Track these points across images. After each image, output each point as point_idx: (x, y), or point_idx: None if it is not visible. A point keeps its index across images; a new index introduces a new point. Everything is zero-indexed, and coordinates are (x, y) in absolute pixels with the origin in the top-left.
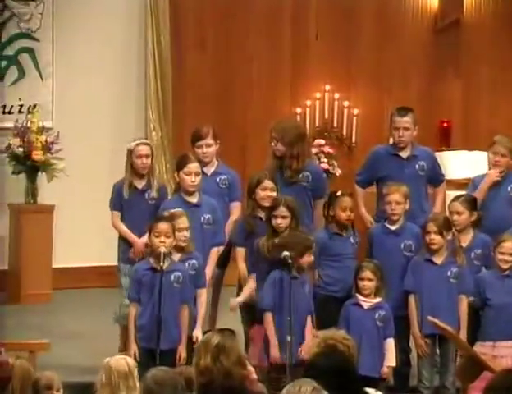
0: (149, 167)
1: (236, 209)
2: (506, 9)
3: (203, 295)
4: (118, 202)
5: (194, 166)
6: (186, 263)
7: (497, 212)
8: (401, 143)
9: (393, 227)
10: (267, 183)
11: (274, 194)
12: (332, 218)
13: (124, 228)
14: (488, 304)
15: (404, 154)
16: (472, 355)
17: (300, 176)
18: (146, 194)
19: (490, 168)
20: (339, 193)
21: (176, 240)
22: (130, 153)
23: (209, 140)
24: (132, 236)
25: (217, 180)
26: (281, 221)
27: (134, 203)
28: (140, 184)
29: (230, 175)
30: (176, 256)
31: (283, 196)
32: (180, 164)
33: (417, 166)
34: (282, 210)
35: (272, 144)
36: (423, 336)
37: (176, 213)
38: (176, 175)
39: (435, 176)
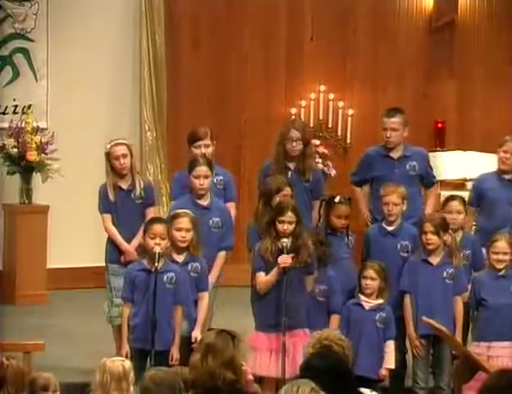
0: (129, 166)
1: (232, 210)
2: (501, 10)
3: (205, 299)
4: (106, 204)
5: (202, 169)
6: (189, 266)
7: (502, 213)
8: (389, 143)
9: (390, 228)
10: (288, 191)
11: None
12: (327, 223)
13: (116, 234)
14: (484, 304)
15: (395, 155)
16: (467, 356)
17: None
18: (132, 194)
19: (498, 166)
20: (337, 199)
21: (174, 240)
22: (108, 155)
23: (207, 141)
24: (123, 244)
25: (214, 180)
26: (288, 226)
27: (121, 205)
28: (125, 184)
29: (226, 175)
30: (179, 257)
31: (289, 199)
32: (190, 167)
33: (407, 166)
34: (290, 215)
35: (293, 144)
36: (419, 337)
37: (179, 213)
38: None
39: (426, 178)
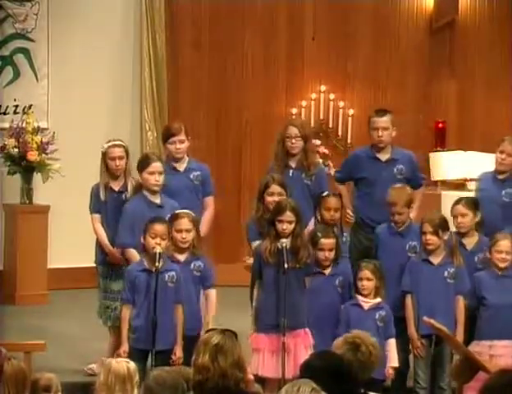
0: (124, 168)
1: (211, 203)
2: (501, 10)
3: (212, 295)
4: (97, 204)
5: (157, 165)
6: (192, 264)
7: (489, 213)
8: (381, 143)
9: (399, 228)
10: (274, 188)
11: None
12: (320, 217)
13: (102, 235)
14: (485, 303)
15: (384, 157)
16: (467, 356)
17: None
18: (123, 196)
19: (496, 167)
20: (325, 193)
21: (175, 241)
22: (104, 155)
23: (182, 136)
24: (108, 246)
25: (191, 176)
26: (287, 226)
27: (111, 205)
28: (117, 186)
29: (203, 170)
30: (181, 257)
31: (288, 199)
32: (143, 164)
33: (395, 169)
34: (288, 215)
35: (293, 141)
36: (420, 337)
37: (179, 213)
38: (138, 176)
39: (414, 179)
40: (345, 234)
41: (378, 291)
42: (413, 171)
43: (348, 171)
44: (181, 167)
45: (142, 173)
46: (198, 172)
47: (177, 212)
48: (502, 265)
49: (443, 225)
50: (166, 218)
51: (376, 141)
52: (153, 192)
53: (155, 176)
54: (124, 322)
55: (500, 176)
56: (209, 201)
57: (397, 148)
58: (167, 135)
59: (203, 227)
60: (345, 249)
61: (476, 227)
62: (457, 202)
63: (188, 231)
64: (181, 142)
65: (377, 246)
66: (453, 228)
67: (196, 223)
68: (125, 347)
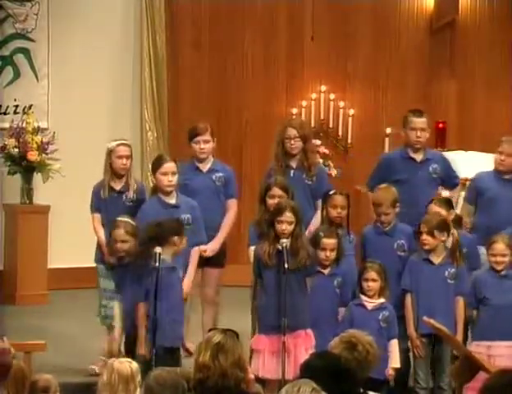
0: (128, 168)
1: (233, 206)
2: (501, 10)
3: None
4: (97, 203)
5: (170, 165)
6: None
7: (503, 212)
8: (418, 143)
9: (385, 228)
10: (275, 191)
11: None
12: (326, 216)
13: (101, 235)
14: (486, 303)
15: (419, 157)
16: (467, 356)
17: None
18: (124, 196)
19: (495, 167)
20: (332, 191)
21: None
22: (110, 152)
23: (207, 137)
24: (104, 246)
25: (213, 177)
26: (287, 226)
27: (111, 205)
28: (118, 185)
29: (226, 172)
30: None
31: (288, 200)
32: (156, 165)
33: (430, 168)
34: (288, 215)
35: (292, 142)
36: (419, 336)
37: (116, 222)
38: (152, 177)
39: (449, 179)
40: (351, 236)
41: (382, 292)
42: (447, 170)
43: (381, 177)
44: (205, 167)
45: (155, 174)
46: (221, 174)
47: (117, 219)
48: (498, 268)
49: (440, 226)
50: (182, 217)
51: (413, 142)
52: (167, 193)
53: (168, 176)
54: (142, 320)
55: (507, 176)
56: (231, 204)
57: (429, 148)
58: (192, 135)
59: (223, 231)
60: (351, 248)
61: (453, 225)
62: (429, 202)
63: (124, 241)
64: (206, 142)
65: (364, 246)
66: None
67: (134, 233)
68: (145, 349)
